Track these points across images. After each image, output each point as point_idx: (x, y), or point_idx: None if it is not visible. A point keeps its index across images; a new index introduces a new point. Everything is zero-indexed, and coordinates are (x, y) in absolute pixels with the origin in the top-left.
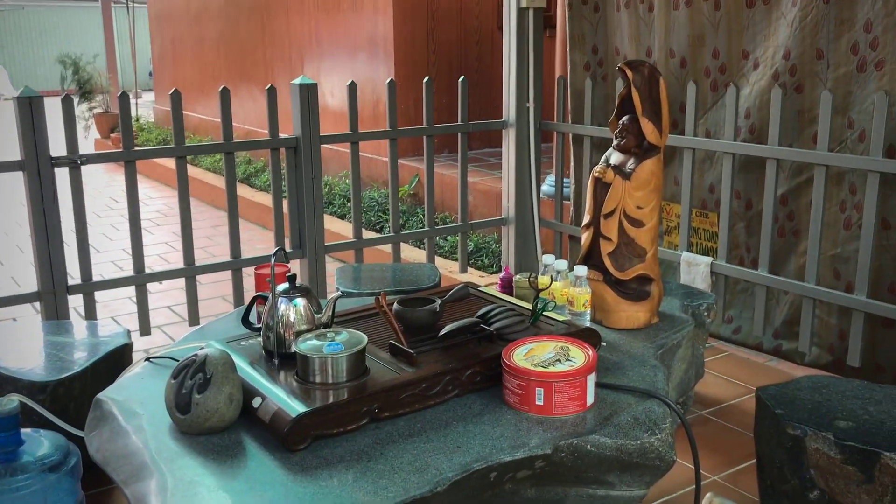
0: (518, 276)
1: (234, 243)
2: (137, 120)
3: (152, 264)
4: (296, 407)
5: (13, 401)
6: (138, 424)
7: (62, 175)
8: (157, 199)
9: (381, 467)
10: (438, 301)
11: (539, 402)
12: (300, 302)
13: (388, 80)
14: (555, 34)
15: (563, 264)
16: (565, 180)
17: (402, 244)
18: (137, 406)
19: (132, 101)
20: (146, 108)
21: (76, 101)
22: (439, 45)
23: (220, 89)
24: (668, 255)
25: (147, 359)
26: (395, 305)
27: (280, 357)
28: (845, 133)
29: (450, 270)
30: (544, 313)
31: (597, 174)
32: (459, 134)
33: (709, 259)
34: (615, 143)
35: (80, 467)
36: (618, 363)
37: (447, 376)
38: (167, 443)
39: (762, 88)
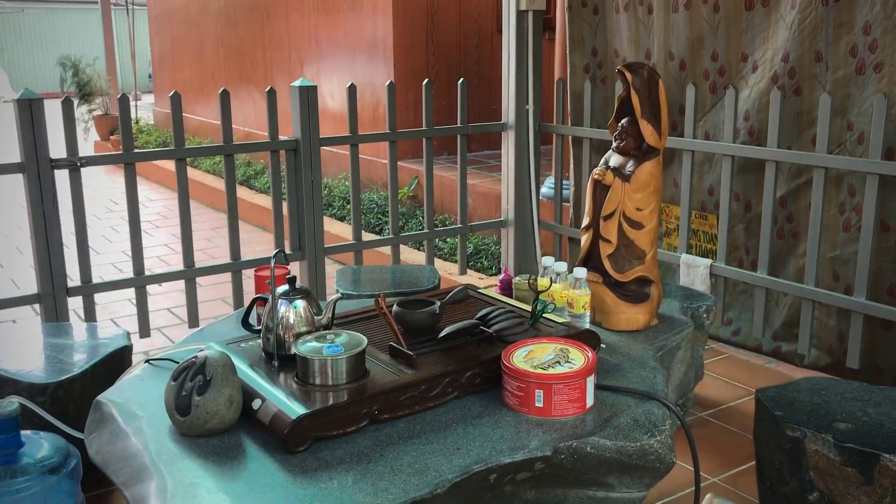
0: (517, 278)
1: (234, 245)
2: (137, 122)
3: (152, 266)
4: (296, 409)
5: (13, 403)
6: (138, 426)
7: (62, 177)
8: (157, 201)
9: (381, 469)
10: (438, 303)
11: (539, 404)
12: (300, 304)
13: (388, 83)
14: (554, 36)
15: (562, 266)
16: (565, 182)
17: (401, 246)
18: (137, 408)
19: (132, 103)
20: (146, 110)
21: (76, 103)
22: (439, 48)
23: (219, 91)
24: (668, 257)
25: (147, 361)
26: (395, 307)
27: (280, 359)
28: (844, 135)
29: (449, 272)
30: (544, 315)
31: (596, 176)
32: (459, 136)
33: (708, 261)
34: (614, 145)
35: (80, 469)
36: (617, 365)
37: (447, 378)
38: (167, 445)
39: (761, 91)
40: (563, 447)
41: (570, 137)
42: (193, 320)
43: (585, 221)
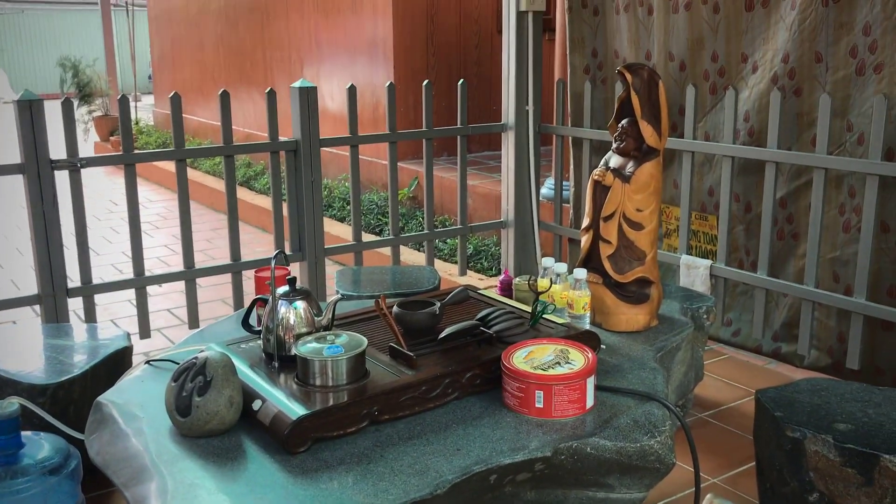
0: (518, 278)
1: (234, 246)
2: (137, 123)
3: (152, 267)
4: (296, 410)
5: (13, 403)
6: (138, 427)
7: (62, 178)
8: (157, 202)
9: (381, 470)
10: (438, 304)
11: (539, 405)
12: (300, 305)
13: (388, 84)
14: (554, 37)
15: (562, 267)
16: (565, 183)
17: (401, 247)
18: (137, 409)
19: (132, 104)
20: (146, 111)
21: (76, 104)
22: (439, 49)
23: (219, 93)
24: (668, 258)
25: (147, 362)
26: (395, 308)
27: (280, 360)
28: (844, 136)
29: (449, 273)
30: (544, 316)
31: (596, 177)
32: (459, 137)
33: (708, 262)
34: (614, 146)
35: (80, 470)
36: (617, 366)
37: (447, 379)
38: (167, 445)
39: (761, 92)
40: (564, 448)
41: (570, 138)
42: (194, 321)
43: (585, 222)
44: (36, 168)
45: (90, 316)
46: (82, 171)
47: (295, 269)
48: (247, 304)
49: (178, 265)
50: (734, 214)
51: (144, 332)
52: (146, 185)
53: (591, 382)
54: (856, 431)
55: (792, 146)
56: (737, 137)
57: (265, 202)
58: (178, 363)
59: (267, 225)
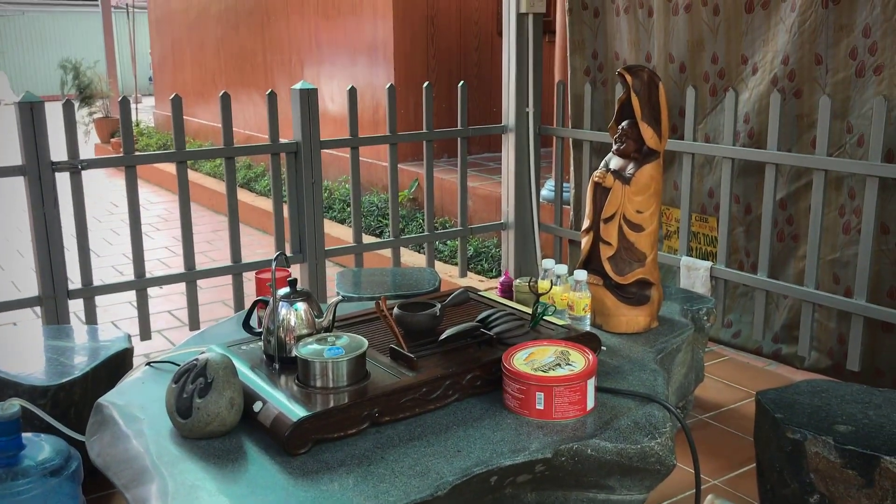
0: (518, 280)
1: (235, 248)
2: (138, 125)
3: (153, 269)
4: (297, 411)
5: (14, 405)
6: (139, 429)
7: (63, 180)
8: (158, 204)
9: (382, 471)
10: (438, 305)
11: (539, 407)
12: (301, 306)
13: (388, 86)
14: (554, 39)
15: (562, 269)
16: (565, 185)
17: (401, 249)
18: (138, 410)
19: (132, 105)
20: (146, 112)
21: (76, 105)
22: (439, 50)
23: (220, 94)
24: (668, 260)
25: (148, 363)
26: (396, 310)
27: (281, 361)
28: (844, 138)
29: (450, 275)
30: (544, 318)
31: (596, 179)
32: (459, 139)
33: (708, 263)
34: (615, 147)
35: (80, 472)
36: (618, 367)
37: (447, 380)
38: (168, 447)
39: (761, 93)
40: (564, 449)
41: (570, 140)
42: (194, 323)
43: (586, 224)
44: (37, 170)
45: (91, 318)
46: (83, 172)
47: (295, 270)
48: (247, 305)
49: (178, 267)
50: (734, 216)
51: (145, 333)
52: (147, 186)
53: (591, 384)
54: (856, 433)
55: (792, 148)
56: (737, 139)
57: (266, 204)
58: (178, 365)
59: (267, 227)
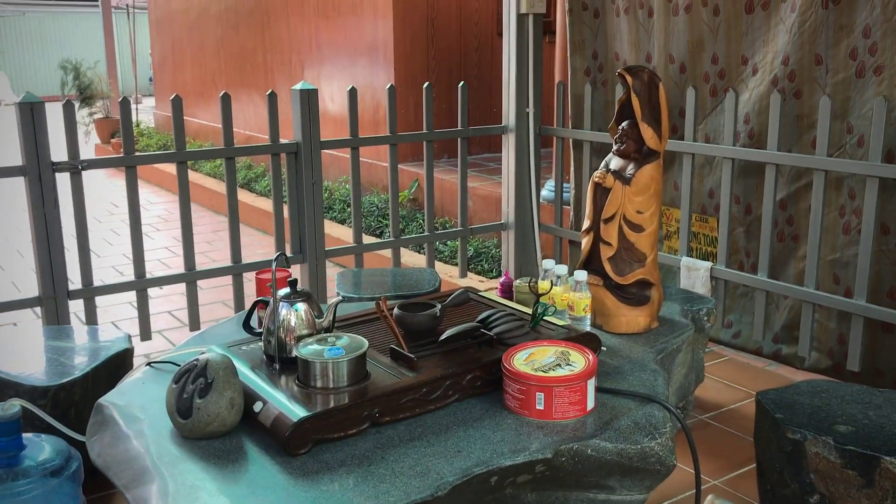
0: (518, 280)
1: (235, 248)
2: (138, 125)
3: (153, 269)
4: (297, 411)
5: (15, 405)
6: (139, 429)
7: (63, 180)
8: (158, 204)
9: (382, 472)
10: (439, 306)
11: (539, 407)
12: (301, 307)
13: (389, 86)
14: (554, 39)
15: (563, 269)
16: (565, 185)
17: (402, 249)
18: (138, 411)
19: (133, 106)
20: (146, 113)
21: (77, 106)
22: (439, 51)
23: (221, 95)
24: (668, 260)
25: (148, 363)
26: (396, 310)
27: (281, 362)
28: (844, 138)
29: (450, 275)
30: (544, 318)
31: (597, 179)
32: (459, 139)
33: (708, 264)
34: (615, 148)
35: (81, 472)
36: (618, 368)
37: (448, 381)
38: (168, 447)
39: (761, 94)
40: (564, 450)
41: (570, 140)
42: (194, 323)
43: (586, 224)
44: (37, 170)
45: (91, 318)
46: (83, 173)
47: (296, 271)
48: (248, 306)
49: (178, 267)
50: (734, 216)
51: (145, 334)
52: (147, 187)
53: (591, 384)
54: (856, 433)
55: (792, 148)
56: (737, 139)
57: (266, 204)
58: (179, 365)
59: (268, 227)
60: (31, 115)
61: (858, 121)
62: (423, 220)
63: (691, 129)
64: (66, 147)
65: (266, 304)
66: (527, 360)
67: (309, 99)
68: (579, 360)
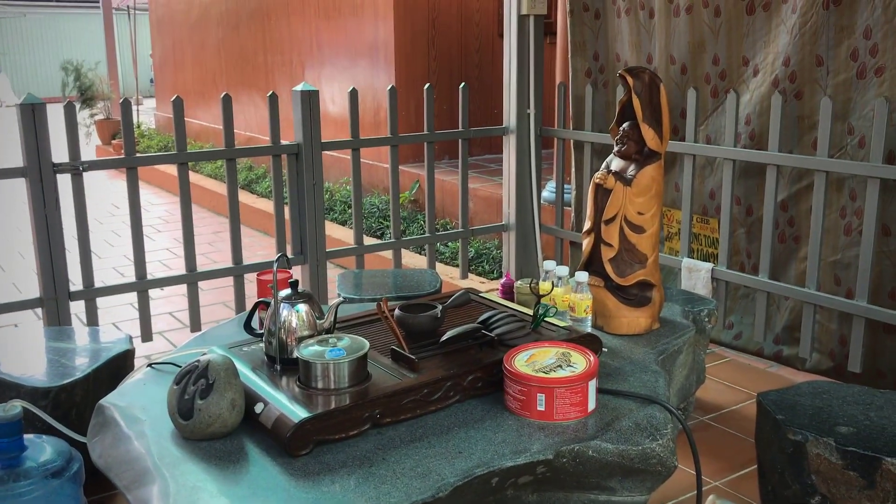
0: (519, 281)
1: (236, 249)
2: (139, 126)
3: (154, 270)
4: (298, 412)
5: (16, 406)
6: (140, 430)
7: (64, 181)
8: (159, 206)
9: (384, 473)
10: (440, 307)
11: (540, 408)
12: (302, 308)
13: (389, 87)
14: (555, 41)
15: (564, 270)
16: (566, 186)
17: (402, 250)
18: (139, 412)
19: (133, 107)
20: (147, 114)
21: (78, 107)
22: (440, 52)
23: (222, 96)
24: (669, 261)
25: (149, 364)
26: (397, 311)
27: (282, 363)
28: (845, 139)
29: (451, 276)
30: (545, 319)
31: (598, 180)
32: (460, 140)
33: (709, 265)
34: (616, 149)
35: (82, 473)
36: (619, 369)
37: (449, 382)
38: (169, 448)
39: (762, 95)
40: (565, 451)
41: (571, 141)
42: (195, 324)
43: (587, 225)
44: (38, 171)
45: (92, 319)
46: (84, 174)
47: (297, 272)
48: (249, 307)
49: (179, 268)
50: (735, 218)
51: (146, 335)
52: (148, 188)
53: (592, 385)
54: (857, 434)
55: (793, 149)
56: (738, 141)
57: (267, 205)
58: (180, 366)
59: (268, 228)
60: (32, 116)
61: (859, 122)
62: (424, 222)
63: (692, 130)
64: (67, 148)
65: (267, 305)
66: (528, 361)
67: (310, 100)
68: (580, 362)
